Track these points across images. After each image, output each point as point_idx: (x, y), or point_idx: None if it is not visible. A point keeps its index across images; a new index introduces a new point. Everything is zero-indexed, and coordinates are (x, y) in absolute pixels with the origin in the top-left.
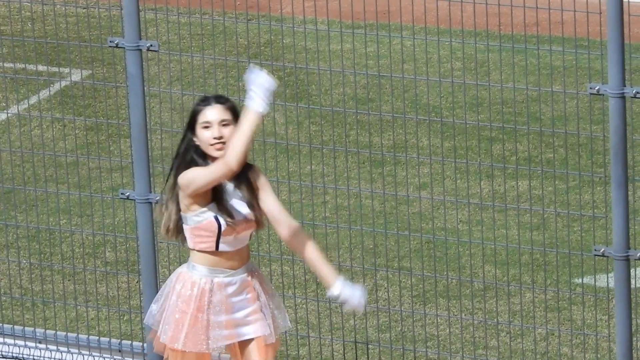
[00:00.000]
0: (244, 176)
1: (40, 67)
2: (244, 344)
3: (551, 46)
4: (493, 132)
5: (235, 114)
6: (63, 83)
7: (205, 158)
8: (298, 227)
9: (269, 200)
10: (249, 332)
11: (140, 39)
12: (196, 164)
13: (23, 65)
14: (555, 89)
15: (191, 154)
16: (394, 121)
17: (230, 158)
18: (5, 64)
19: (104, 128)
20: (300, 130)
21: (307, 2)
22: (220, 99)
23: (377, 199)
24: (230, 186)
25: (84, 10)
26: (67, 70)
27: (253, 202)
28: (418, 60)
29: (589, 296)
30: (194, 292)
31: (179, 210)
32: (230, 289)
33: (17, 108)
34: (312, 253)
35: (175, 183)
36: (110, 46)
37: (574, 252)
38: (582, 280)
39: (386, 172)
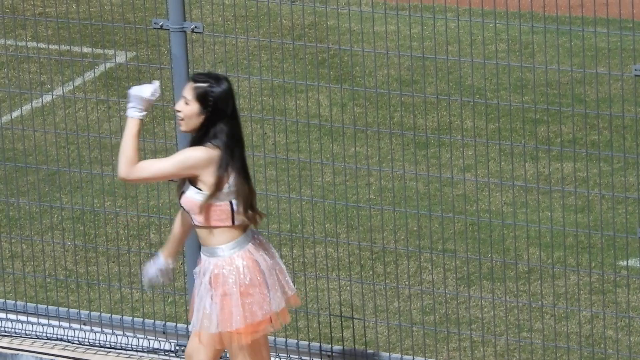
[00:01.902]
0: None
1: (85, 49)
2: None
3: (596, 28)
4: (537, 114)
5: (200, 97)
6: (108, 65)
7: None
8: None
9: None
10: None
11: (185, 20)
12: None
13: (68, 47)
14: (599, 70)
15: None
16: (438, 103)
17: (118, 168)
18: (50, 46)
19: (148, 110)
20: (344, 112)
21: None
22: (194, 77)
23: (421, 181)
24: None
25: None
26: (111, 52)
27: (183, 187)
28: (462, 41)
29: (634, 279)
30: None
31: None
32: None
33: (62, 90)
34: None
35: None
36: (154, 28)
37: (618, 234)
38: (627, 263)
39: (430, 154)
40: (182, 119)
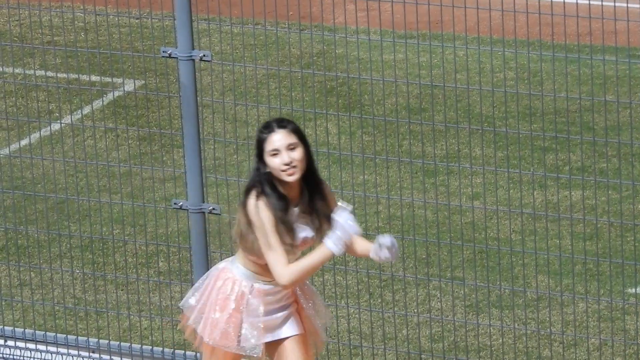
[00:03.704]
0: (314, 203)
1: (94, 78)
2: (276, 345)
3: (604, 56)
4: (546, 142)
5: (300, 135)
6: (116, 93)
7: (275, 188)
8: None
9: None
10: (281, 332)
11: (193, 49)
12: (265, 194)
13: (76, 76)
14: (608, 98)
15: (261, 184)
16: (447, 131)
17: (288, 279)
18: (58, 74)
19: (157, 138)
20: (353, 140)
21: (359, 13)
22: (282, 123)
23: (429, 209)
24: (295, 211)
25: (136, 21)
26: (120, 80)
27: (322, 228)
28: (471, 70)
29: None
30: (235, 291)
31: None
32: (269, 297)
33: (71, 118)
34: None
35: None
36: (163, 56)
37: (627, 262)
38: (636, 290)
39: (439, 182)
40: (295, 166)
